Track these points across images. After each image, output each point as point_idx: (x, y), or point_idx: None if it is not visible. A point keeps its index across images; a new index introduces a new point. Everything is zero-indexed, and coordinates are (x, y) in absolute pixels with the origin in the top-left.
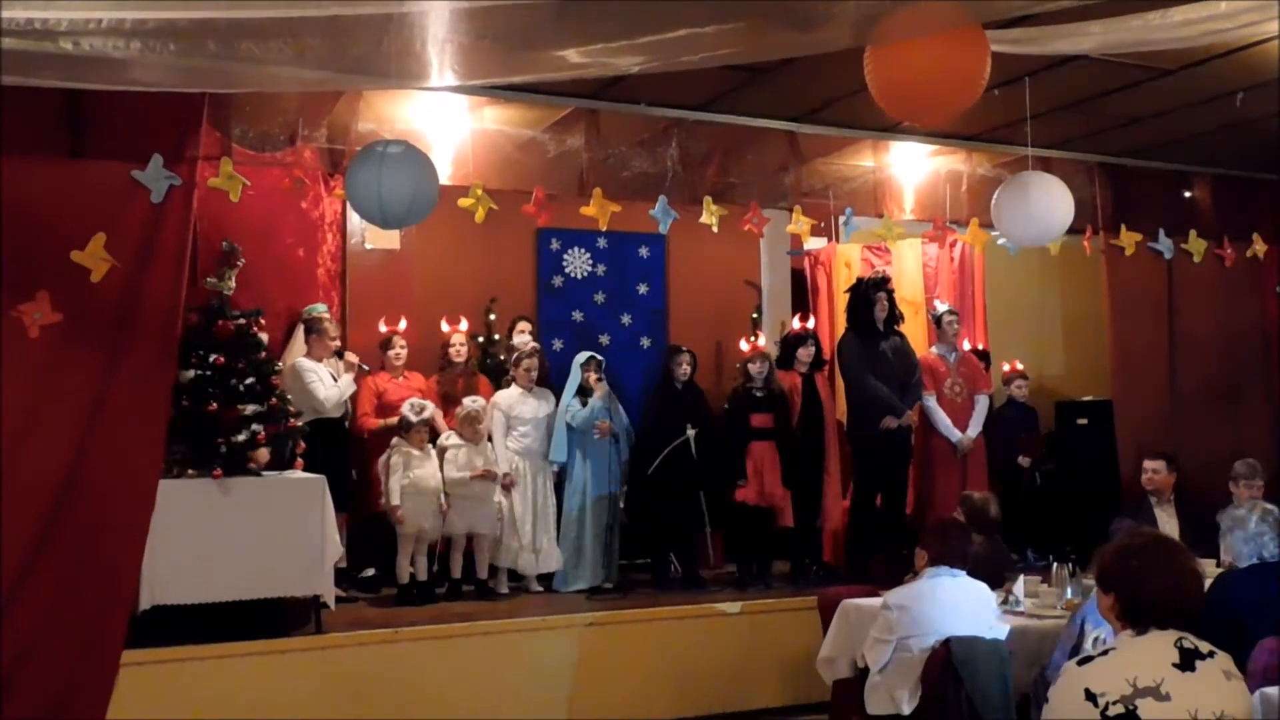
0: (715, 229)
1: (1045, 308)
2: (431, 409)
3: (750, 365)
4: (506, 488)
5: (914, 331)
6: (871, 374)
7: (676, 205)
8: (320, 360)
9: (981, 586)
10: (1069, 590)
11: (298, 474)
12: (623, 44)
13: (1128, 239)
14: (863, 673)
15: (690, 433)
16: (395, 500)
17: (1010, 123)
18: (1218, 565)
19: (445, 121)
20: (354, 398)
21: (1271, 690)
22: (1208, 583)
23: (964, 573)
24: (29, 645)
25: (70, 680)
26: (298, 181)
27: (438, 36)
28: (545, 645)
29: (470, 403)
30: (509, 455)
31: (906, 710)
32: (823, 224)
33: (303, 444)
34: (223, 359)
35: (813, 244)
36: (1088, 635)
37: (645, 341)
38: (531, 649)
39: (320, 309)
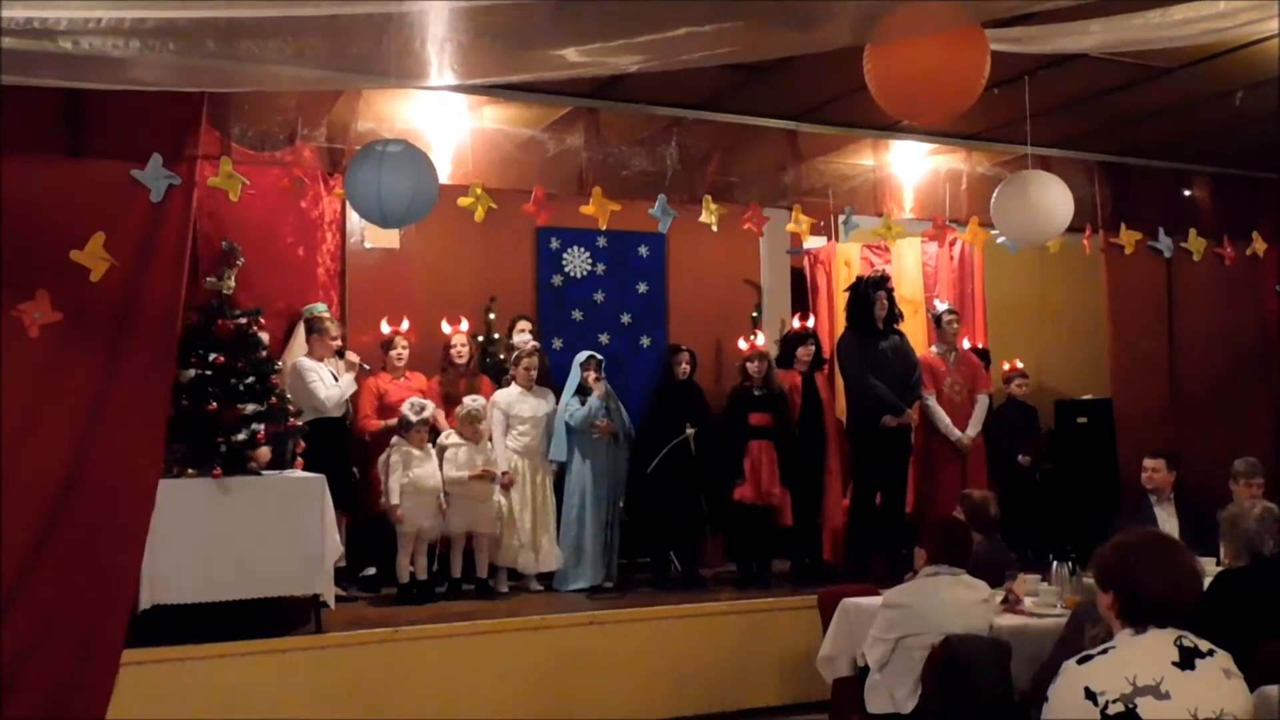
0: (715, 228)
1: (1045, 307)
2: (431, 408)
3: (748, 364)
4: (505, 487)
5: (914, 330)
6: (871, 373)
7: (676, 204)
8: (321, 360)
9: (981, 585)
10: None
11: (298, 473)
12: (622, 43)
13: (1127, 238)
14: (863, 671)
15: (689, 432)
16: (395, 499)
17: (1010, 121)
18: (1218, 564)
19: (445, 120)
20: (355, 399)
21: (1271, 688)
22: (1207, 581)
23: (964, 571)
24: (29, 645)
25: (70, 680)
26: (297, 181)
27: (437, 35)
28: (545, 644)
29: (470, 401)
30: (508, 454)
31: (906, 709)
32: (822, 223)
33: (302, 443)
34: (222, 358)
35: (812, 243)
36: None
37: (645, 340)
38: (531, 648)
39: (320, 308)
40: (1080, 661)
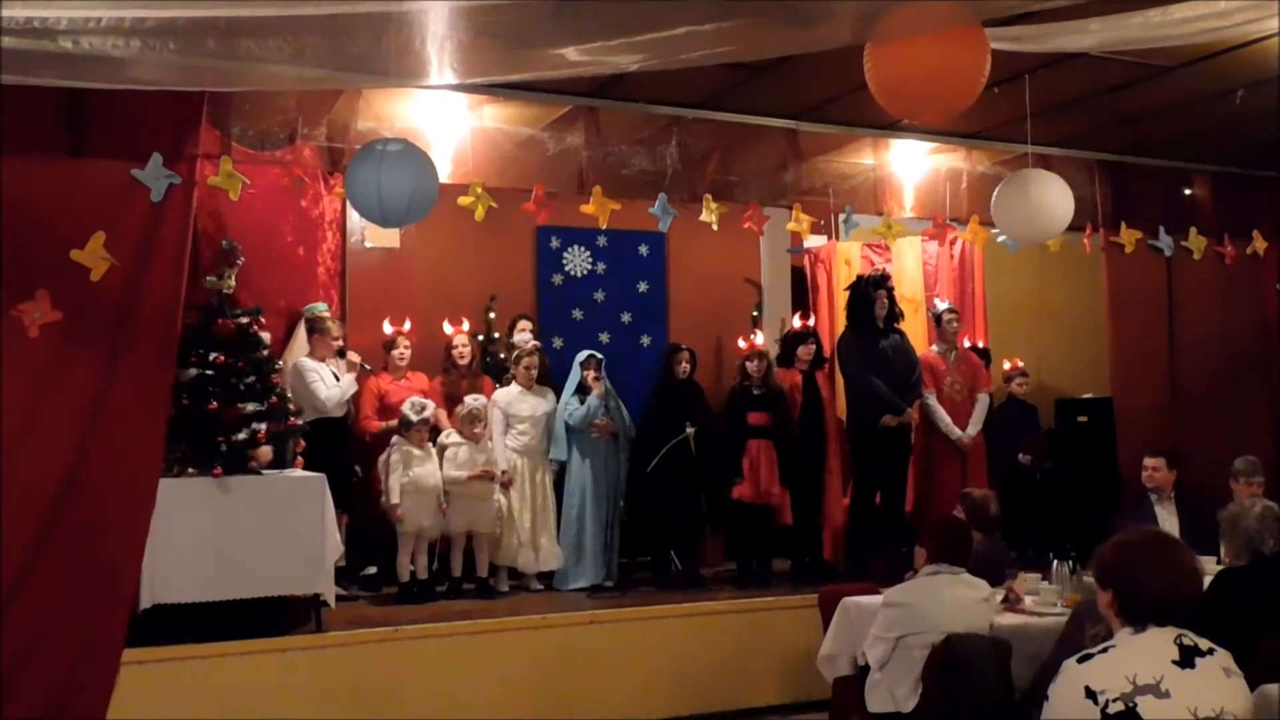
0: (715, 227)
1: (1045, 305)
2: (432, 408)
3: (747, 364)
4: (505, 486)
5: (914, 329)
6: (871, 372)
7: (676, 203)
8: (323, 359)
9: (982, 584)
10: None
11: (298, 473)
12: (622, 42)
13: (1128, 236)
14: (863, 670)
15: (689, 431)
16: (395, 499)
17: (1010, 120)
18: (1218, 563)
19: (445, 120)
20: (356, 399)
21: (1271, 687)
22: (1207, 580)
23: (964, 570)
24: (29, 645)
25: (70, 680)
26: (297, 180)
27: (437, 34)
28: (545, 644)
29: (471, 400)
30: (508, 453)
31: (907, 708)
32: (823, 222)
33: (303, 443)
34: (223, 358)
35: (812, 242)
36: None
37: (645, 339)
38: (532, 648)
39: (321, 308)
40: (1080, 660)
